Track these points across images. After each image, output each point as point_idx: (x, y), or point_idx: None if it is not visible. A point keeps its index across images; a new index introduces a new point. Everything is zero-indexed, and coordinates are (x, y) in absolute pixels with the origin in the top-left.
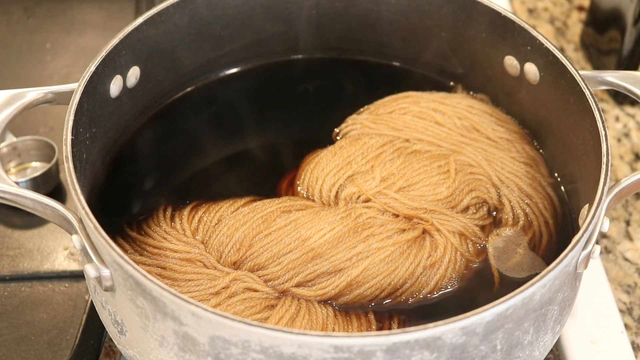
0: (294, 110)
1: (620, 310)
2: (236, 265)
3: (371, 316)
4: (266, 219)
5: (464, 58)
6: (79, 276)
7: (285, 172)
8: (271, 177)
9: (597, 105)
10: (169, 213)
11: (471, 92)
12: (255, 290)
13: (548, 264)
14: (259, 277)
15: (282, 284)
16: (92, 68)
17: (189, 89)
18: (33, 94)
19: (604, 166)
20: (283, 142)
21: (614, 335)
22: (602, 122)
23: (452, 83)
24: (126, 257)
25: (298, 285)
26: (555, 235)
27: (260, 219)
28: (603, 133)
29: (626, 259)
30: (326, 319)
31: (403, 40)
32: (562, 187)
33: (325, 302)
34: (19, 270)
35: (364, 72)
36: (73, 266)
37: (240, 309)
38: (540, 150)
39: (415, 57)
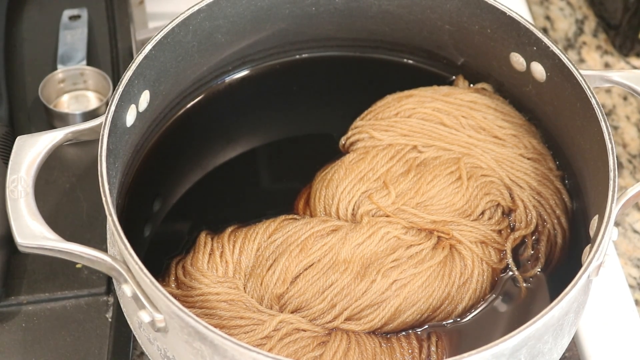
0: (298, 114)
1: (631, 286)
2: (280, 300)
3: (413, 339)
4: (303, 247)
5: (467, 49)
6: (96, 294)
7: (299, 187)
8: (285, 184)
9: (603, 116)
10: (208, 248)
11: (474, 81)
12: (305, 330)
13: (566, 264)
14: (303, 317)
15: (331, 321)
16: (112, 107)
17: (192, 99)
18: (59, 134)
19: (611, 182)
20: (293, 148)
21: (624, 312)
22: (609, 135)
23: (454, 77)
24: (187, 310)
25: (346, 320)
26: (568, 231)
27: (297, 248)
28: (610, 146)
29: (636, 232)
30: (374, 350)
31: (405, 33)
32: (570, 182)
33: (370, 332)
34: (35, 293)
35: (367, 68)
36: (88, 284)
37: (294, 349)
38: (546, 145)
39: (418, 50)
